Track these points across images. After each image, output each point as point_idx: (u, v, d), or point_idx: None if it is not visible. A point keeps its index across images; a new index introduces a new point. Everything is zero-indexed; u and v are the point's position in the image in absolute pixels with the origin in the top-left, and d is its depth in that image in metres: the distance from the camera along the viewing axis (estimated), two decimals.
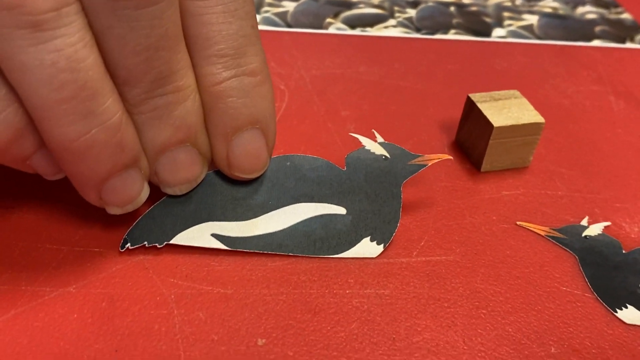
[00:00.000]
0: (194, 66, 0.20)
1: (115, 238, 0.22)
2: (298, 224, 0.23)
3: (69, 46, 0.17)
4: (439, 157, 0.24)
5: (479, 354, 0.20)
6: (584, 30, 0.40)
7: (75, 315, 0.20)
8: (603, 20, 0.42)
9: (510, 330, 0.21)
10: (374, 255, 0.23)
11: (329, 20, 0.38)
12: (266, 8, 0.39)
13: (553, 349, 0.20)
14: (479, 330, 0.21)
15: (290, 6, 0.39)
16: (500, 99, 0.27)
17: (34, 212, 0.23)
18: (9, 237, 0.22)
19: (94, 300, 0.20)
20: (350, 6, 0.40)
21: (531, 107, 0.27)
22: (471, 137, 0.28)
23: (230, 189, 0.23)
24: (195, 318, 0.20)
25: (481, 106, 0.27)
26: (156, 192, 0.22)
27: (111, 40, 0.18)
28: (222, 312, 0.20)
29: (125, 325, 0.20)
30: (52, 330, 0.19)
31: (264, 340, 0.20)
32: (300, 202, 0.23)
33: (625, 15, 0.43)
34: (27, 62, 0.17)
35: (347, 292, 0.21)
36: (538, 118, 0.26)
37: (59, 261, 0.21)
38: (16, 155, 0.19)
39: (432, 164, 0.24)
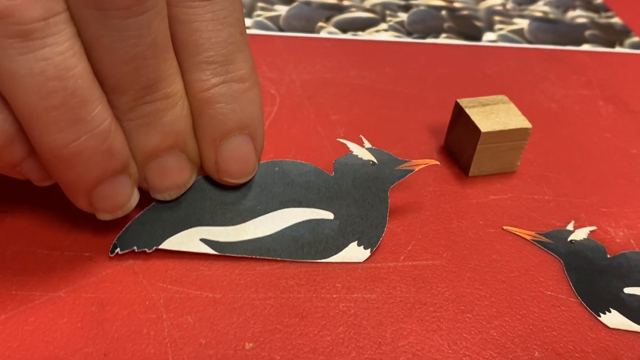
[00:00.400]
0: (182, 73, 0.21)
1: (105, 243, 0.22)
2: (286, 228, 0.23)
3: (58, 55, 0.17)
4: (426, 162, 0.25)
5: (464, 358, 0.20)
6: (574, 34, 0.41)
7: (65, 320, 0.20)
8: (593, 24, 0.42)
9: (494, 334, 0.21)
10: (361, 260, 0.23)
11: (320, 24, 0.39)
12: (258, 12, 0.39)
13: (537, 352, 0.21)
14: (464, 334, 0.21)
15: (282, 10, 0.40)
16: (488, 104, 0.28)
17: (26, 217, 0.23)
18: (1, 240, 0.22)
19: (84, 304, 0.21)
20: (342, 10, 0.40)
21: (519, 113, 0.27)
22: (459, 142, 0.28)
23: (219, 194, 0.23)
24: (184, 322, 0.20)
25: (469, 111, 0.27)
26: (146, 198, 0.22)
27: (100, 49, 0.18)
28: (210, 316, 0.21)
29: (114, 330, 0.20)
30: (42, 334, 0.20)
31: (251, 344, 0.20)
32: (289, 207, 0.23)
33: (616, 20, 0.43)
34: (17, 70, 0.17)
35: (334, 296, 0.22)
36: (525, 123, 0.27)
37: (49, 266, 0.22)
38: (6, 161, 0.19)
39: (420, 169, 0.25)
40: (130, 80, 0.19)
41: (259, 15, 0.39)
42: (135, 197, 0.22)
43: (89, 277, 0.21)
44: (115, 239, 0.22)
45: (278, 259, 0.22)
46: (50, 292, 0.21)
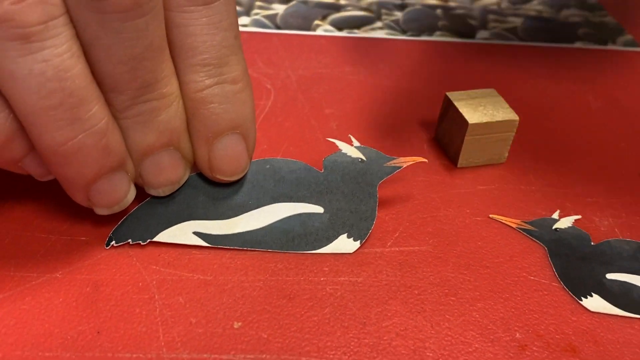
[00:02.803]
0: (178, 74, 0.21)
1: (101, 228, 0.23)
2: (277, 222, 0.24)
3: (56, 56, 0.18)
4: (414, 159, 0.25)
5: (446, 338, 0.21)
6: (567, 32, 0.41)
7: (61, 299, 0.21)
8: (586, 22, 0.43)
9: (477, 316, 0.22)
10: (351, 251, 0.23)
11: (317, 22, 0.39)
12: (256, 10, 0.40)
13: (518, 334, 0.21)
14: (447, 316, 0.22)
15: (279, 9, 0.41)
16: (476, 97, 0.28)
17: (24, 206, 0.24)
18: (0, 226, 0.23)
19: (79, 285, 0.21)
20: (339, 9, 0.41)
21: (506, 105, 0.28)
22: (448, 134, 0.29)
23: (212, 190, 0.24)
24: (175, 302, 0.21)
25: (457, 104, 0.28)
26: (142, 194, 0.23)
27: (98, 50, 0.19)
28: (201, 296, 0.21)
29: (107, 309, 0.21)
30: (38, 313, 0.20)
31: (240, 324, 0.21)
32: (279, 202, 0.24)
33: (609, 19, 0.44)
34: (17, 71, 0.18)
35: (322, 279, 0.22)
36: (512, 115, 0.27)
37: (46, 249, 0.22)
38: (8, 158, 0.20)
39: (407, 166, 0.25)
40: (127, 80, 0.20)
41: (256, 14, 0.40)
42: (132, 193, 0.22)
43: (84, 260, 0.22)
44: (111, 232, 0.23)
45: (269, 250, 0.23)
46: (47, 273, 0.22)
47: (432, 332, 0.21)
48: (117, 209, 0.22)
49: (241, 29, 0.36)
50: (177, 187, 0.24)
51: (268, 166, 0.25)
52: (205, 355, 0.20)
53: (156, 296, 0.21)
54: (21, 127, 0.19)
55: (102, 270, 0.22)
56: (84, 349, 0.19)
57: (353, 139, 0.26)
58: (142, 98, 0.20)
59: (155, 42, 0.20)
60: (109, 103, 0.20)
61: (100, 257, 0.22)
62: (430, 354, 0.20)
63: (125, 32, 0.19)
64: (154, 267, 0.22)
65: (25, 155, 0.20)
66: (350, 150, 0.25)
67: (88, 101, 0.19)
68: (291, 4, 0.41)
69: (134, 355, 0.19)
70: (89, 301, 0.21)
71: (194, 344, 0.20)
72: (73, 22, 0.18)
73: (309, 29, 0.39)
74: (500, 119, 0.27)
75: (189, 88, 0.22)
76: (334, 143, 0.26)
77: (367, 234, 0.24)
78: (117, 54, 0.19)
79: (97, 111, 0.19)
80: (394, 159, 0.25)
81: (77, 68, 0.18)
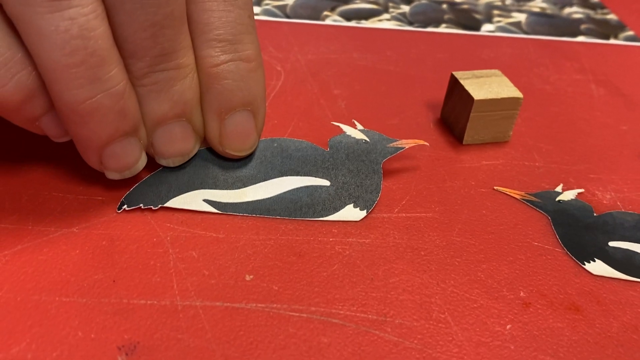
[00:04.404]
0: (194, 49, 0.22)
1: (117, 189, 0.24)
2: (285, 192, 0.24)
3: (82, 16, 0.19)
4: (416, 142, 0.26)
5: (451, 295, 0.21)
6: (570, 27, 0.42)
7: (77, 251, 0.21)
8: (589, 19, 0.44)
9: (482, 276, 0.22)
10: (358, 219, 0.24)
11: (326, 13, 0.40)
12: (267, 1, 0.41)
13: (522, 293, 0.22)
14: (452, 275, 0.22)
15: (289, 0, 0.42)
16: (482, 77, 0.29)
17: (43, 166, 0.25)
18: (18, 186, 0.24)
19: (95, 239, 0.22)
20: (347, 1, 0.42)
21: (511, 84, 0.29)
22: (454, 112, 0.29)
23: (222, 163, 0.25)
24: (189, 256, 0.22)
25: (463, 82, 0.28)
26: (151, 165, 0.24)
27: (122, 14, 0.20)
28: (213, 252, 0.22)
29: (123, 260, 0.21)
30: (55, 263, 0.21)
31: (251, 276, 0.21)
32: (287, 176, 0.25)
33: (611, 16, 0.45)
34: (44, 27, 0.18)
35: (331, 239, 0.23)
36: (517, 93, 0.28)
37: (64, 206, 0.23)
38: (27, 115, 0.21)
39: (409, 147, 0.26)
40: (146, 47, 0.20)
41: (267, 4, 0.41)
42: (142, 160, 0.23)
43: (100, 217, 0.23)
44: (123, 197, 0.23)
45: (277, 217, 0.24)
46: (64, 228, 0.22)
47: (438, 289, 0.21)
48: (127, 174, 0.23)
49: None
50: (186, 160, 0.24)
51: (275, 144, 0.26)
52: (217, 304, 0.20)
53: (170, 250, 0.22)
54: (42, 85, 0.20)
55: (117, 227, 0.22)
56: (100, 296, 0.20)
57: (357, 123, 0.27)
58: (160, 67, 0.21)
59: (176, 11, 0.20)
60: (127, 70, 0.21)
61: (116, 215, 0.23)
62: (436, 308, 0.21)
63: None
64: (168, 225, 0.23)
65: (43, 114, 0.21)
66: (354, 132, 0.26)
67: (108, 63, 0.20)
68: None
69: (149, 302, 0.20)
70: (105, 253, 0.21)
71: (207, 293, 0.20)
72: None
73: (317, 19, 0.40)
74: (505, 96, 0.28)
75: (204, 62, 0.22)
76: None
77: (373, 205, 0.24)
78: (139, 19, 0.20)
79: (116, 73, 0.20)
80: (396, 140, 0.26)
81: (100, 29, 0.19)
